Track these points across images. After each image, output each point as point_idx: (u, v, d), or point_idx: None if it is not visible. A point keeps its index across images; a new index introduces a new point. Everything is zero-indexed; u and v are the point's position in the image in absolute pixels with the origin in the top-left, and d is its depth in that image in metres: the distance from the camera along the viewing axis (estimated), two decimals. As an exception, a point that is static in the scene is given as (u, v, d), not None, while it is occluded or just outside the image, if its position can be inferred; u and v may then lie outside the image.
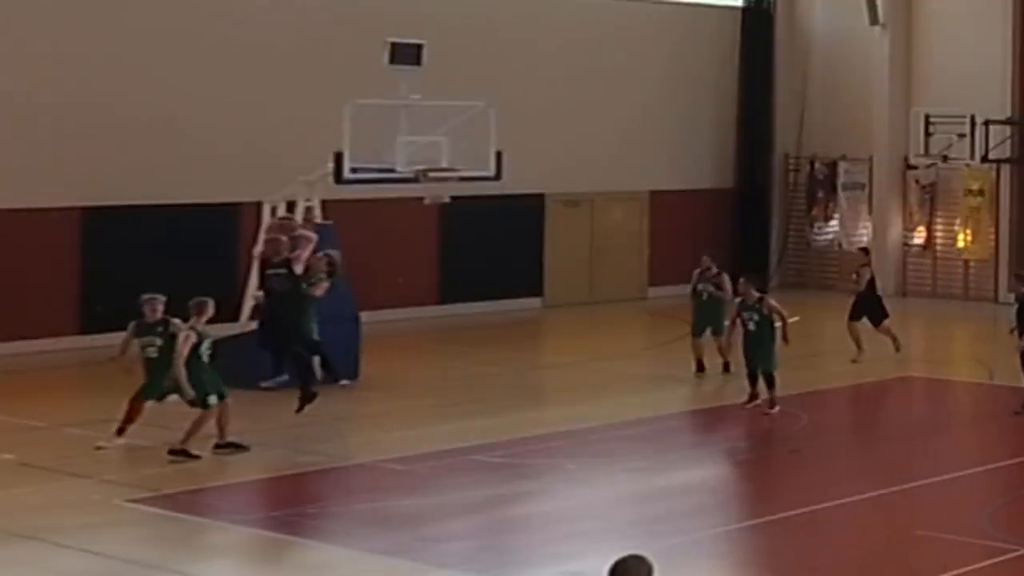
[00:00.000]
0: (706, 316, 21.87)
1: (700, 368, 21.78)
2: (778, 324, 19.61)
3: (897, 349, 23.61)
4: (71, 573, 13.06)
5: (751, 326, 19.68)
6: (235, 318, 21.69)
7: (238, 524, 14.17)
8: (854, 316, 23.57)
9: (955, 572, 13.04)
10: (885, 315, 23.77)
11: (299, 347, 18.66)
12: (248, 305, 21.79)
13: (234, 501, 15.04)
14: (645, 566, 7.22)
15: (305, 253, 18.72)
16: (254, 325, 21.28)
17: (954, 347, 27.92)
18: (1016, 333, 19.62)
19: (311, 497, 15.30)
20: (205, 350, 16.61)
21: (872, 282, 23.91)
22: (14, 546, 13.50)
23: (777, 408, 19.50)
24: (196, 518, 14.35)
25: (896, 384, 22.45)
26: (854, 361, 22.98)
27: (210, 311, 16.71)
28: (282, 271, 18.51)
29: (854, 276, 24.33)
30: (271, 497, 15.44)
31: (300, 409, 18.30)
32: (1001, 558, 13.42)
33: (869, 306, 23.67)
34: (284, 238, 18.54)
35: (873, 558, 13.69)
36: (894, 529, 14.64)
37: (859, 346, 23.20)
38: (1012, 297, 20.22)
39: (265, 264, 18.86)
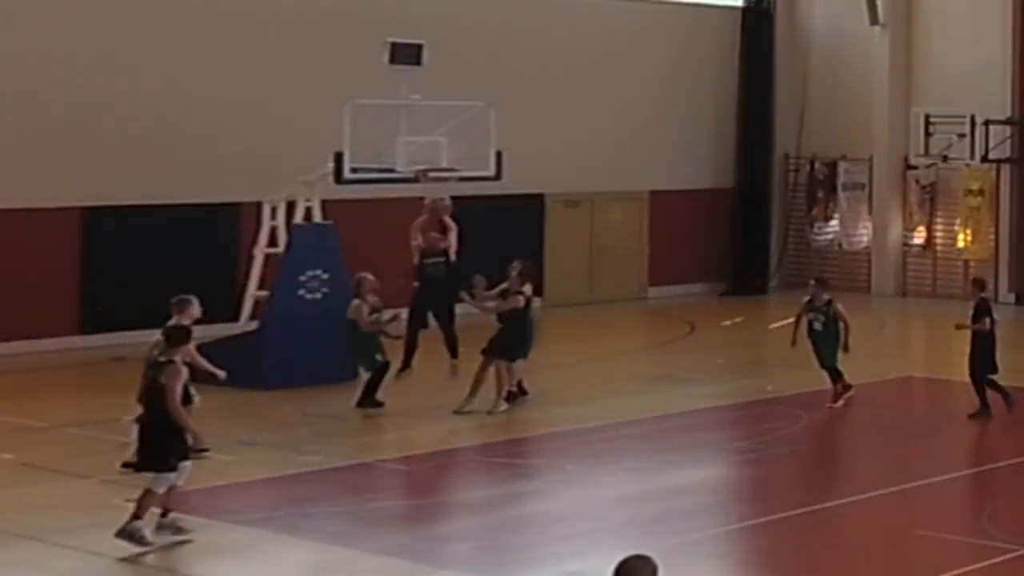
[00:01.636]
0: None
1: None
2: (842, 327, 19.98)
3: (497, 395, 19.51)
4: (71, 573, 13.06)
5: (817, 326, 20.04)
6: (235, 318, 21.70)
7: (238, 524, 14.17)
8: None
9: (955, 572, 13.04)
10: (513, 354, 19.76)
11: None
12: (248, 305, 21.81)
13: (234, 501, 15.03)
14: (650, 566, 7.22)
15: (454, 240, 20.47)
16: (254, 325, 21.32)
17: (954, 347, 27.82)
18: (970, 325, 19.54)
19: (311, 497, 15.29)
20: None
21: (528, 304, 19.87)
22: (14, 546, 13.51)
23: (841, 402, 19.87)
24: (196, 518, 14.34)
25: (896, 384, 22.45)
26: (489, 412, 19.21)
27: (195, 311, 16.16)
28: (440, 259, 20.04)
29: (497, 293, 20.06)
30: (271, 497, 15.43)
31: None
32: (1001, 558, 13.42)
33: (512, 335, 19.66)
34: (437, 234, 20.20)
35: (873, 558, 13.70)
36: (894, 529, 14.64)
37: (520, 389, 19.74)
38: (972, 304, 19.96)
39: (422, 254, 20.34)
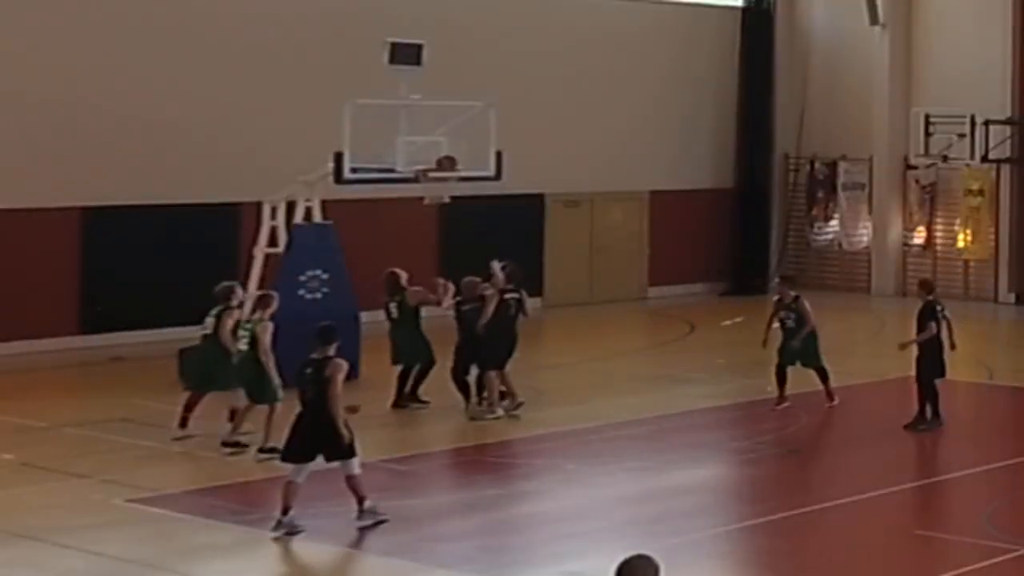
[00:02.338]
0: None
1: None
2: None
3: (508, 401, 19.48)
4: (71, 573, 13.06)
5: (790, 323, 19.98)
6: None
7: (238, 524, 14.17)
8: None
9: (955, 572, 13.05)
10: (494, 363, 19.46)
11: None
12: (248, 305, 21.76)
13: (234, 501, 15.04)
14: (652, 566, 7.23)
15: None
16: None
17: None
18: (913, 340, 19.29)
19: (311, 497, 15.28)
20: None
21: (500, 305, 19.54)
22: (14, 546, 13.51)
23: (837, 400, 19.93)
24: (196, 518, 14.35)
25: (896, 384, 22.42)
26: (472, 419, 19.24)
27: (276, 305, 17.41)
28: (478, 305, 19.44)
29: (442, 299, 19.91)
30: (271, 497, 15.41)
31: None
32: (1001, 558, 13.43)
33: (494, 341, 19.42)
34: (478, 279, 19.77)
35: (873, 558, 13.70)
36: (894, 529, 14.65)
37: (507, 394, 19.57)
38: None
39: (459, 302, 19.84)
